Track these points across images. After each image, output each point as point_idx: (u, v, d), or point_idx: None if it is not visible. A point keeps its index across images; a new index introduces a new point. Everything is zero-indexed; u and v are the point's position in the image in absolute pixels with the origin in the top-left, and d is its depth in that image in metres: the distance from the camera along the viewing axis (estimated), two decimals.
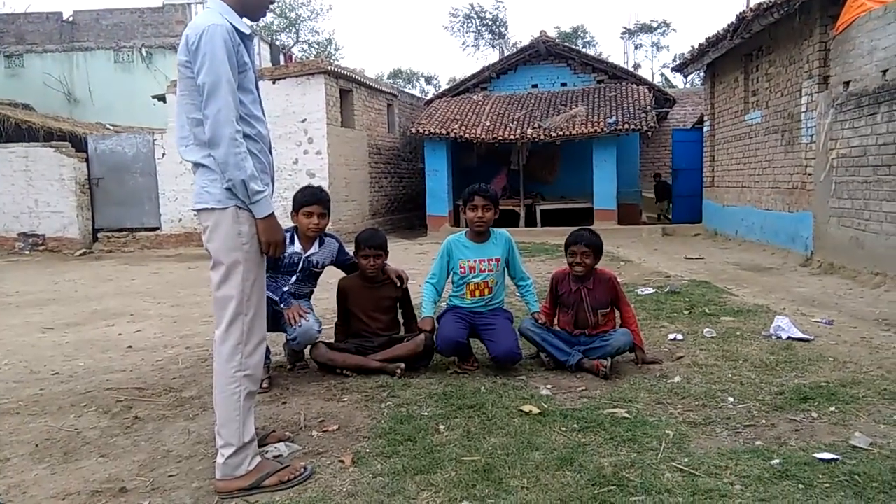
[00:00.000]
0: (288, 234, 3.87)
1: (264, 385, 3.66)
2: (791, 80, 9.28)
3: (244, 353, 2.51)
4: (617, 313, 4.07)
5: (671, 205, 17.01)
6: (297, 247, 3.92)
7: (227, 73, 2.38)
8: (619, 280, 4.13)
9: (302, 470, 2.60)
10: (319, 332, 3.94)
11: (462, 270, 4.02)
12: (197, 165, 2.52)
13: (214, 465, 2.54)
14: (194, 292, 7.66)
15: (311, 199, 3.87)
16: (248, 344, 2.52)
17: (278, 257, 3.42)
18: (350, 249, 4.22)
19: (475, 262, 4.00)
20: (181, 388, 3.84)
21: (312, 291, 4.18)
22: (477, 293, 4.03)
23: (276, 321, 3.72)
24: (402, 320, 4.27)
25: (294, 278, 3.95)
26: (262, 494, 2.48)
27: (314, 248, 3.97)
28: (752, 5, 9.88)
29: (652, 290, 6.33)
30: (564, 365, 3.84)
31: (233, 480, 2.49)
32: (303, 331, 3.82)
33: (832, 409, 3.09)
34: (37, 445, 3.03)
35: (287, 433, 3.02)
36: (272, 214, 2.53)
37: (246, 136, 2.49)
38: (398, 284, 4.15)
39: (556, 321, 4.14)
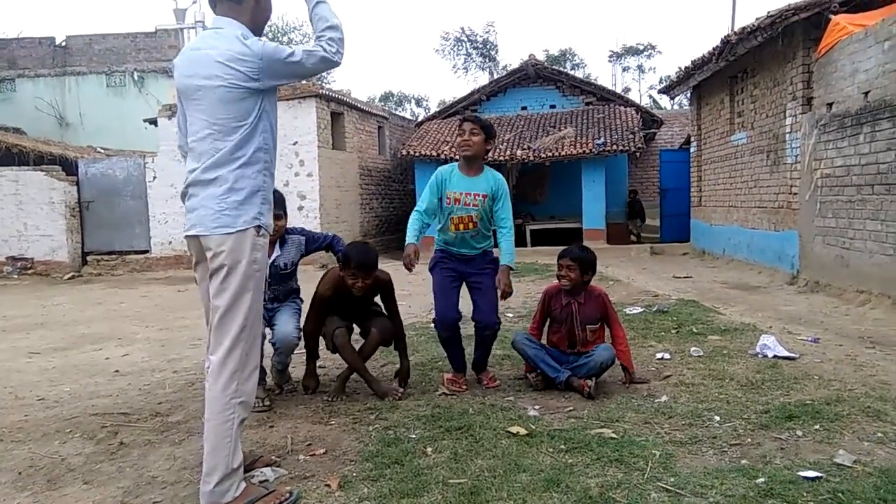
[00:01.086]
0: None
1: (266, 403, 3.71)
2: (776, 102, 9.42)
3: (240, 379, 2.50)
4: (607, 332, 4.09)
5: (643, 223, 17.15)
6: None
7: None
8: (610, 299, 4.15)
9: (287, 495, 2.58)
10: (298, 338, 3.95)
11: (448, 201, 3.93)
12: (208, 183, 2.49)
13: (199, 492, 2.52)
14: (183, 315, 7.63)
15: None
16: (244, 371, 2.52)
17: None
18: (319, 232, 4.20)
19: (461, 194, 3.92)
20: (167, 412, 3.82)
21: (294, 289, 4.17)
22: (461, 226, 3.93)
23: None
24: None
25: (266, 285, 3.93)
26: None
27: (276, 252, 3.96)
28: (736, 29, 10.05)
29: (640, 310, 6.36)
30: (554, 382, 3.85)
31: None
32: (281, 336, 3.86)
33: (817, 427, 3.10)
34: (20, 473, 3.00)
35: (273, 457, 3.00)
36: None
37: (266, 153, 2.59)
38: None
39: (544, 339, 4.15)
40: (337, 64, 2.60)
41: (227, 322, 2.48)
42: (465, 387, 3.99)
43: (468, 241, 3.99)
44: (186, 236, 2.61)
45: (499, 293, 3.94)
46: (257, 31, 2.66)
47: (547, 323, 4.16)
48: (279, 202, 3.89)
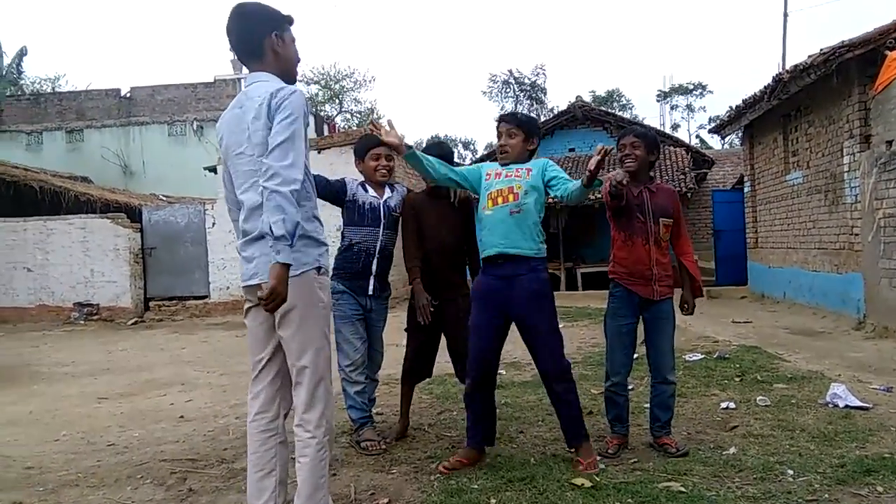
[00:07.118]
0: (358, 184, 4.04)
1: (382, 446, 3.84)
2: (832, 140, 9.25)
3: (328, 417, 2.58)
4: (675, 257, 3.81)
5: None
6: (372, 193, 4.00)
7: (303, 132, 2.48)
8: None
9: None
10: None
11: (487, 178, 3.50)
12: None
13: None
14: (242, 360, 7.78)
15: (378, 141, 3.83)
16: (329, 406, 2.60)
17: (359, 210, 3.85)
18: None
19: (501, 169, 3.50)
20: (233, 459, 3.89)
21: (388, 282, 4.19)
22: (500, 200, 3.39)
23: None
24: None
25: (382, 227, 4.00)
26: None
27: (388, 193, 4.07)
28: (788, 67, 9.96)
29: (700, 356, 6.21)
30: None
31: None
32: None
33: None
34: None
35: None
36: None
37: (309, 200, 2.59)
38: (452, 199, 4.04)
39: (612, 257, 3.80)
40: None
41: (306, 362, 2.53)
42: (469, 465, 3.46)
43: (510, 230, 3.35)
44: (248, 286, 2.59)
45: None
46: (288, 79, 2.65)
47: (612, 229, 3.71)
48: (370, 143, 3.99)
